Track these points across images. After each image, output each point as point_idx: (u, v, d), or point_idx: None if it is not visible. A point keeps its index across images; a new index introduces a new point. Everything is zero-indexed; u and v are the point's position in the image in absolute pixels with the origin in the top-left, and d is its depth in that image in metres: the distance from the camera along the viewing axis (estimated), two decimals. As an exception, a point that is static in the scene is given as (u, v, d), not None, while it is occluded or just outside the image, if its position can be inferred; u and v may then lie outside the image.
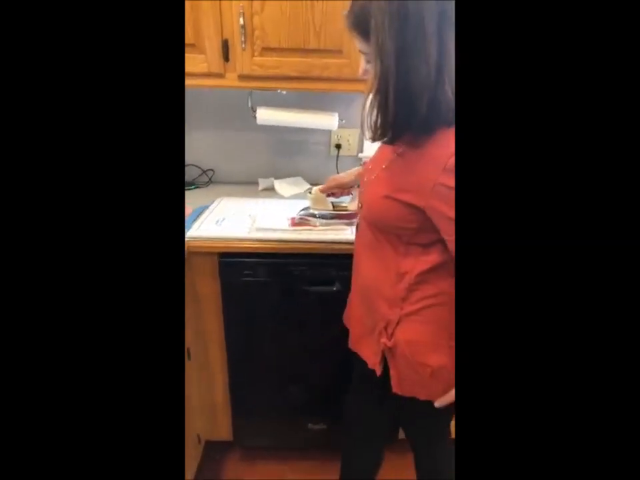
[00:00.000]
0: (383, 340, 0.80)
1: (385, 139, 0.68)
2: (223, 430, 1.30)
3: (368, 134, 0.69)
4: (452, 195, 0.61)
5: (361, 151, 1.48)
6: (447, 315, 0.74)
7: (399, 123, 0.64)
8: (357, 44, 0.66)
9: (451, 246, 0.67)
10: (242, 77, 1.10)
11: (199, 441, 1.27)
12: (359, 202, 0.84)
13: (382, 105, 0.64)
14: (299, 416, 1.29)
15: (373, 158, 0.84)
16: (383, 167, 0.74)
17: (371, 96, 0.66)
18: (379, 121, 0.66)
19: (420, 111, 0.61)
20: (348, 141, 1.45)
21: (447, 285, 0.73)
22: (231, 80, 1.10)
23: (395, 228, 0.72)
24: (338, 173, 1.43)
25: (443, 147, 0.62)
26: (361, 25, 0.63)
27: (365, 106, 0.67)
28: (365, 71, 0.69)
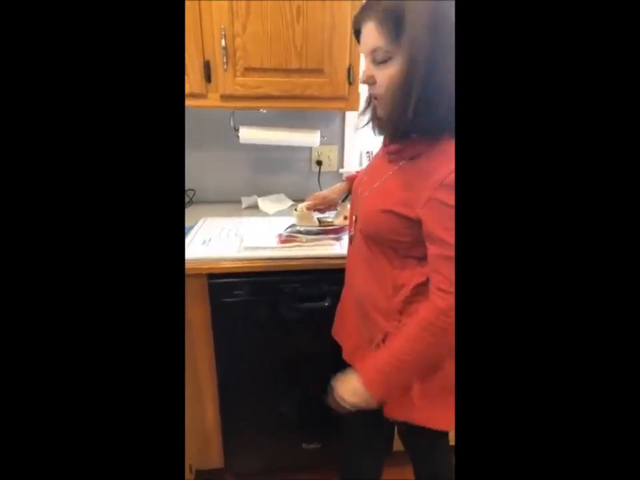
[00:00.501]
0: None
1: (394, 134, 0.70)
2: (214, 457, 1.26)
3: (376, 128, 0.73)
4: (444, 211, 0.63)
5: (342, 167, 1.51)
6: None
7: (416, 120, 0.64)
8: (371, 40, 0.64)
9: (430, 259, 0.68)
10: (224, 97, 1.10)
11: (191, 471, 1.22)
12: (354, 215, 0.85)
13: (402, 101, 0.63)
14: (292, 436, 1.27)
15: (367, 171, 0.85)
16: (380, 181, 0.75)
17: (387, 91, 0.65)
18: (395, 116, 0.66)
19: (439, 113, 0.62)
20: (329, 157, 1.48)
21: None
22: (213, 100, 1.10)
23: (391, 241, 0.73)
24: (320, 188, 1.45)
25: (444, 163, 0.63)
26: (390, 18, 0.61)
27: (378, 101, 0.68)
28: (369, 77, 0.67)
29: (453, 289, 0.64)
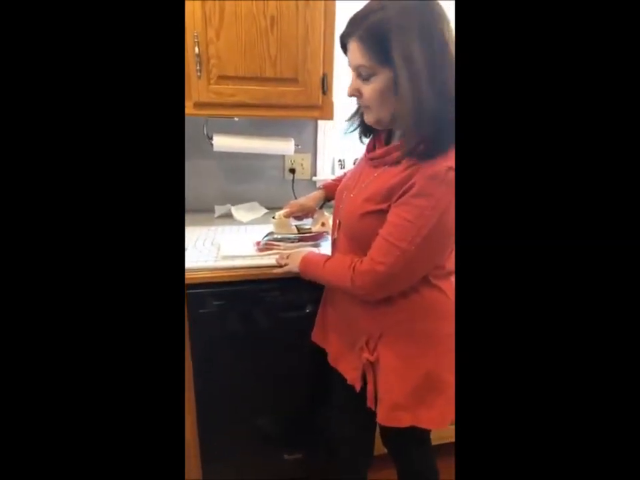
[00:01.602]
0: (365, 355, 0.81)
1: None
2: (192, 468, 1.21)
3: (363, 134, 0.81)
4: (399, 207, 0.68)
5: (315, 175, 1.52)
6: (430, 325, 0.77)
7: (404, 132, 0.69)
8: (355, 58, 0.68)
9: (378, 238, 0.71)
10: (198, 105, 1.09)
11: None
12: (338, 219, 0.85)
13: (389, 113, 0.70)
14: (273, 447, 1.25)
15: (351, 177, 0.86)
16: (364, 185, 0.77)
17: (374, 103, 0.70)
18: (383, 126, 0.73)
19: (427, 125, 0.65)
20: (302, 165, 1.48)
21: (427, 296, 0.76)
22: (186, 108, 1.08)
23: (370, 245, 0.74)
24: (295, 196, 1.45)
25: (421, 171, 0.66)
26: (373, 38, 0.64)
27: (366, 110, 0.73)
28: (355, 90, 0.71)
29: (378, 269, 0.70)
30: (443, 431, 1.26)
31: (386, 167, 0.74)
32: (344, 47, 0.72)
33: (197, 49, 1.03)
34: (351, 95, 0.73)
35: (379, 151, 0.77)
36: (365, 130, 0.85)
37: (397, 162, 0.71)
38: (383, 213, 0.71)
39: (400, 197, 0.68)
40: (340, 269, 0.78)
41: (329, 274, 0.82)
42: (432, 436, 0.99)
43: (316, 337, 1.01)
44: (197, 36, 1.02)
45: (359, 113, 0.82)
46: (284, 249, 1.09)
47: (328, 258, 0.85)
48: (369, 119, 0.75)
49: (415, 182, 0.66)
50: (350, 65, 0.70)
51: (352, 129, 0.85)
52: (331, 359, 0.93)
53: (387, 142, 0.80)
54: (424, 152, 0.66)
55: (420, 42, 0.62)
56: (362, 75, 0.69)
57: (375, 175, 0.76)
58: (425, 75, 0.62)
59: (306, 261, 0.89)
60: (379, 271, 0.70)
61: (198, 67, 1.04)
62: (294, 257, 0.94)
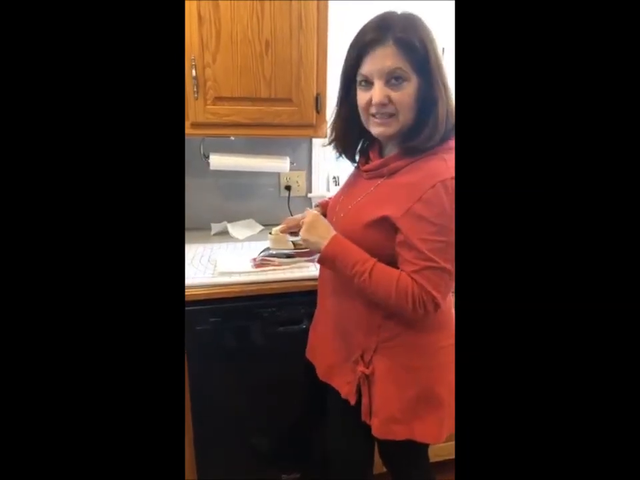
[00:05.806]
0: (361, 368, 0.81)
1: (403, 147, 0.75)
2: None
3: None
4: (418, 224, 0.68)
5: (310, 192, 1.54)
6: (426, 338, 0.78)
7: (426, 134, 0.70)
8: (391, 62, 0.68)
9: (404, 267, 0.71)
10: (195, 125, 1.11)
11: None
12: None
13: (421, 116, 0.71)
14: (271, 467, 1.23)
15: (344, 191, 0.88)
16: (361, 197, 0.78)
17: (407, 108, 0.71)
18: (412, 129, 0.72)
19: (438, 128, 0.70)
20: (297, 182, 1.51)
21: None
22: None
23: (373, 255, 0.74)
24: (291, 213, 1.47)
25: (423, 179, 0.69)
26: (411, 43, 0.67)
27: (391, 119, 0.72)
28: (385, 96, 0.70)
29: (437, 300, 0.70)
30: (442, 448, 1.25)
31: (383, 178, 0.76)
32: (359, 57, 0.71)
33: (194, 72, 1.06)
34: (380, 102, 0.70)
35: (375, 162, 0.78)
36: (347, 148, 0.85)
37: (393, 172, 0.74)
38: (391, 222, 0.71)
39: (412, 209, 0.68)
40: (389, 286, 0.71)
41: (375, 284, 0.72)
42: (430, 453, 0.98)
43: (309, 353, 1.00)
44: (194, 59, 1.05)
45: (337, 136, 0.84)
46: (279, 265, 1.10)
47: (375, 261, 0.73)
48: (388, 130, 0.73)
49: (429, 196, 0.67)
50: (378, 70, 0.69)
51: (338, 154, 0.87)
52: (322, 374, 0.92)
53: (381, 155, 0.81)
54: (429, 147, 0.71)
55: (436, 55, 0.69)
56: (394, 80, 0.69)
57: (374, 187, 0.77)
58: (448, 83, 0.70)
59: (340, 245, 0.75)
60: (437, 302, 0.70)
61: (195, 89, 1.07)
62: (320, 229, 0.78)
